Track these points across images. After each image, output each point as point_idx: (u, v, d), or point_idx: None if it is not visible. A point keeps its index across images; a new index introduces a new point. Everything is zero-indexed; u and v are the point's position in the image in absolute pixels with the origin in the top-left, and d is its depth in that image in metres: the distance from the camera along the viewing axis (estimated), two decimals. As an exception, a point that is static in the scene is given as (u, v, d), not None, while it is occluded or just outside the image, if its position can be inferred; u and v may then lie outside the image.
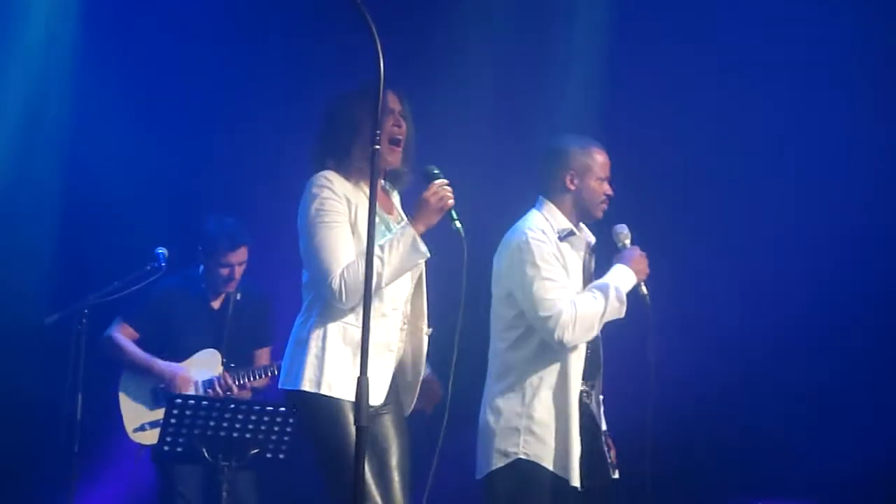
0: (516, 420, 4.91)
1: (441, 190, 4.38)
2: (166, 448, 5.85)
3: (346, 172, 4.43)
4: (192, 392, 6.24)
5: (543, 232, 5.01)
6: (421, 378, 4.55)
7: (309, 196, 4.40)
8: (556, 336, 4.90)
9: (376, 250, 4.25)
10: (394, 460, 4.46)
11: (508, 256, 5.01)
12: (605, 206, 5.11)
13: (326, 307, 4.38)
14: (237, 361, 6.40)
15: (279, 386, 4.50)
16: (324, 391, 4.32)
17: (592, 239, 5.17)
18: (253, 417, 5.85)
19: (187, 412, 5.81)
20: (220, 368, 6.37)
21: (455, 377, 4.36)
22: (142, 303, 6.34)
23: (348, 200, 4.41)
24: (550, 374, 4.96)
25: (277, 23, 7.02)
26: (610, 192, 5.10)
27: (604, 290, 4.98)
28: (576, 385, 4.96)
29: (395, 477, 4.45)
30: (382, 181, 4.55)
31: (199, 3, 6.93)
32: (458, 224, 4.39)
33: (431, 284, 4.59)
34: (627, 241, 5.13)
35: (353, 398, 3.87)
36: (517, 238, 5.01)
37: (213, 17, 6.93)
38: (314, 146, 4.51)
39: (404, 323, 4.53)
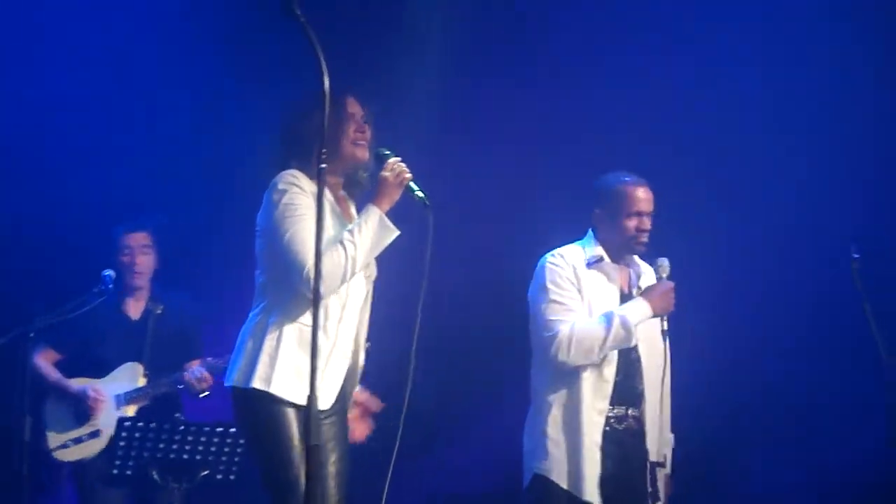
0: (538, 438, 5.10)
1: (397, 166, 4.39)
2: (115, 471, 5.79)
3: (311, 174, 4.38)
4: (106, 408, 6.19)
5: (563, 257, 5.19)
6: (355, 391, 4.56)
7: (275, 193, 4.33)
8: (551, 354, 5.07)
9: (345, 235, 4.27)
10: (333, 468, 4.42)
11: (532, 281, 5.22)
12: (641, 241, 5.20)
13: (287, 308, 4.31)
14: (164, 372, 6.31)
15: (225, 383, 4.40)
16: (274, 390, 4.25)
17: (641, 270, 5.30)
18: (203, 439, 5.80)
19: (136, 434, 5.75)
20: (143, 380, 6.30)
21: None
22: (61, 324, 6.25)
23: (314, 199, 4.32)
24: (562, 395, 5.10)
25: (224, 21, 6.96)
26: (645, 226, 5.18)
27: (609, 316, 5.08)
28: (590, 407, 5.06)
29: (332, 484, 4.40)
30: (343, 192, 4.54)
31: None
32: (420, 194, 4.40)
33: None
34: (664, 275, 5.20)
35: (302, 402, 3.78)
36: (539, 263, 5.21)
37: (149, 15, 6.90)
38: (277, 148, 4.47)
39: (357, 331, 4.51)
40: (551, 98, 6.86)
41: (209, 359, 6.30)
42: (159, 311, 6.44)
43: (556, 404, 5.10)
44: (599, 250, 5.23)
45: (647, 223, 5.20)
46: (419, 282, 4.30)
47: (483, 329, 6.88)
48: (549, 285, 5.15)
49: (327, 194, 4.38)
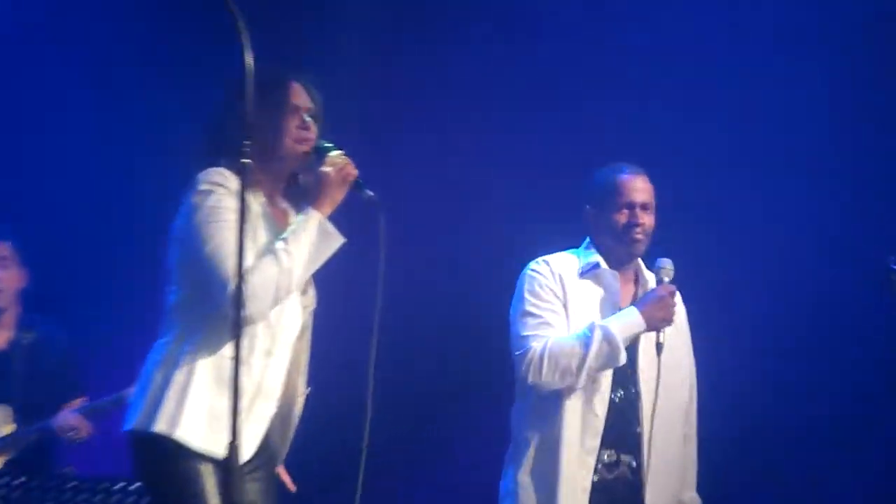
0: (510, 485, 4.47)
1: (340, 160, 3.72)
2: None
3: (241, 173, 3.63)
4: None
5: (547, 264, 4.57)
6: (287, 447, 3.83)
7: (197, 194, 3.64)
8: (521, 375, 4.41)
9: (278, 244, 3.64)
10: None
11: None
12: (637, 237, 4.52)
13: (204, 334, 3.61)
14: (38, 416, 5.47)
15: (124, 426, 3.65)
16: (180, 436, 3.53)
17: (648, 276, 4.58)
18: (98, 498, 4.94)
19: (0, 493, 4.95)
20: (10, 427, 5.47)
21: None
22: None
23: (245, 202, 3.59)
24: (542, 432, 4.43)
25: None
26: (638, 220, 4.51)
27: (590, 328, 4.41)
28: (575, 448, 4.36)
29: None
30: (283, 202, 3.86)
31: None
32: (369, 192, 3.73)
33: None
34: (667, 279, 4.51)
35: (214, 451, 3.40)
36: (522, 273, 4.61)
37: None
38: (202, 142, 3.79)
39: (290, 371, 3.79)
40: (539, 69, 6.24)
41: (86, 400, 5.49)
42: (29, 340, 5.55)
43: (535, 443, 4.43)
44: (595, 256, 4.58)
45: (641, 217, 4.53)
46: (371, 300, 3.68)
47: (451, 353, 6.13)
48: (527, 295, 4.51)
49: (260, 199, 3.76)
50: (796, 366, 5.97)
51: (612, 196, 4.52)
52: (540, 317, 4.44)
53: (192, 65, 5.66)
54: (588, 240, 4.62)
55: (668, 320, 4.42)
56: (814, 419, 5.94)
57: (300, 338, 3.80)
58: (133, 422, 3.61)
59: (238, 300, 3.11)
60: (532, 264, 4.56)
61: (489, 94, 6.20)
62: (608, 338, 4.33)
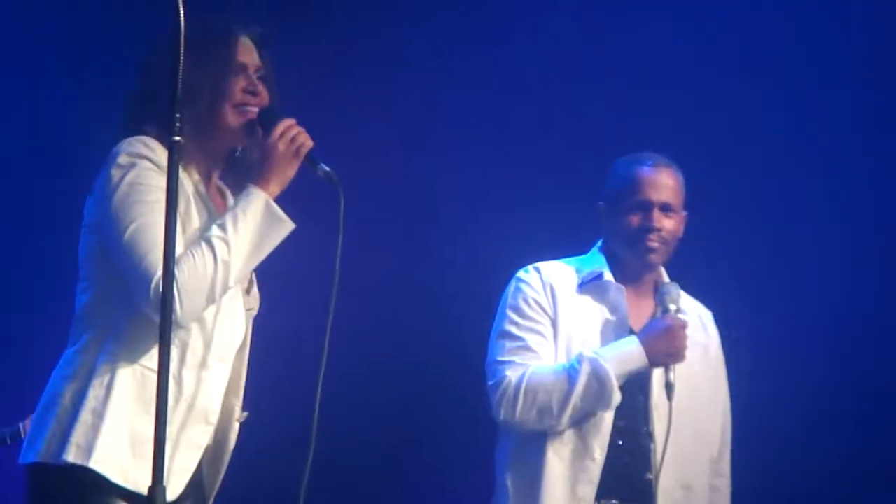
0: None
1: (291, 130, 3.12)
2: None
3: None
4: None
5: (539, 272, 3.92)
6: (219, 483, 3.23)
7: (115, 167, 3.05)
8: (493, 410, 3.80)
9: (214, 230, 3.03)
10: None
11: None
12: (651, 245, 3.84)
13: (123, 339, 3.03)
14: None
15: (21, 459, 3.06)
16: (95, 465, 2.94)
17: (676, 301, 3.85)
18: None
19: None
20: None
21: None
22: None
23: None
24: (526, 475, 3.78)
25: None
26: (654, 224, 3.83)
27: (579, 360, 3.76)
28: (563, 497, 3.71)
29: None
30: (219, 181, 3.29)
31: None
32: (325, 168, 3.16)
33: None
34: (672, 307, 3.83)
35: (137, 487, 2.89)
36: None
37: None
38: (127, 109, 3.19)
39: (228, 389, 3.19)
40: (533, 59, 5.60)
41: None
42: None
43: (513, 491, 3.80)
44: (601, 266, 3.92)
45: (659, 220, 3.85)
46: (326, 295, 3.10)
47: (421, 353, 5.47)
48: (508, 311, 3.88)
49: (194, 177, 3.17)
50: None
51: (627, 192, 3.88)
52: (520, 339, 3.82)
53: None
54: (599, 244, 4.00)
55: (677, 356, 3.74)
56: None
57: (241, 348, 3.22)
58: (35, 452, 3.00)
59: (165, 299, 2.60)
60: (520, 272, 3.94)
61: (478, 79, 5.62)
62: (597, 374, 3.70)
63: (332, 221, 3.09)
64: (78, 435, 2.95)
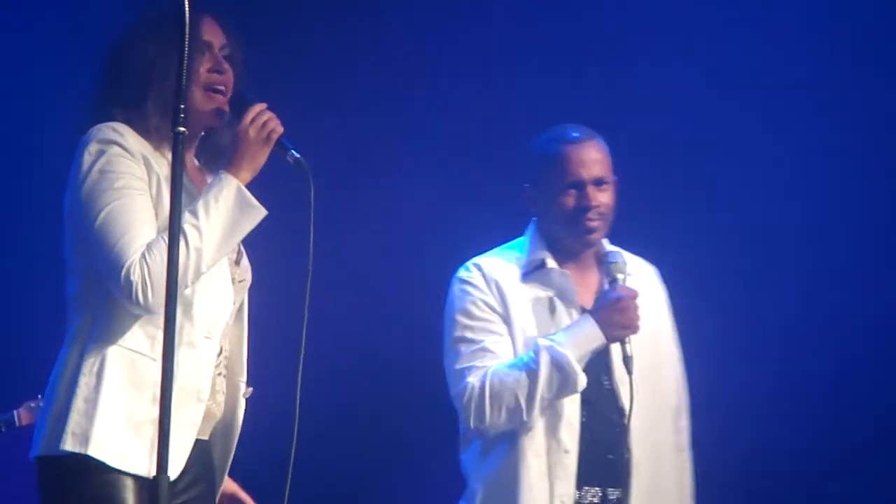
0: None
1: (262, 115, 3.10)
2: None
3: (143, 131, 3.11)
4: None
5: (480, 269, 3.75)
6: (230, 460, 3.24)
7: (86, 155, 3.04)
8: (463, 420, 3.66)
9: (186, 217, 2.99)
10: None
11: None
12: (591, 224, 3.70)
13: (108, 325, 3.02)
14: None
15: (30, 456, 3.05)
16: (93, 452, 2.95)
17: (624, 271, 3.72)
18: None
19: None
20: None
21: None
22: None
23: (148, 164, 3.08)
24: (490, 483, 3.67)
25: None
26: (589, 201, 3.68)
27: (535, 352, 3.62)
28: (540, 496, 3.60)
29: None
30: (196, 159, 3.28)
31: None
32: (295, 154, 3.13)
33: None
34: (620, 276, 3.70)
35: (139, 469, 2.92)
36: (452, 283, 3.82)
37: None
38: (95, 94, 3.17)
39: (224, 365, 3.20)
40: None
41: None
42: None
43: (488, 494, 3.69)
44: (540, 252, 3.77)
45: (594, 196, 3.70)
46: (300, 282, 3.07)
47: (394, 347, 5.36)
48: (457, 316, 3.72)
49: (168, 156, 3.09)
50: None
51: (555, 173, 3.70)
52: (475, 342, 3.67)
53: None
54: (532, 228, 3.82)
55: (632, 327, 3.61)
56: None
57: (236, 321, 3.22)
58: (37, 446, 3.03)
59: (170, 286, 2.59)
60: (461, 271, 3.77)
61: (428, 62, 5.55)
62: (557, 362, 3.57)
63: (304, 209, 3.07)
64: (73, 424, 2.96)
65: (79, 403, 2.96)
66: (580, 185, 3.71)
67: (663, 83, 5.38)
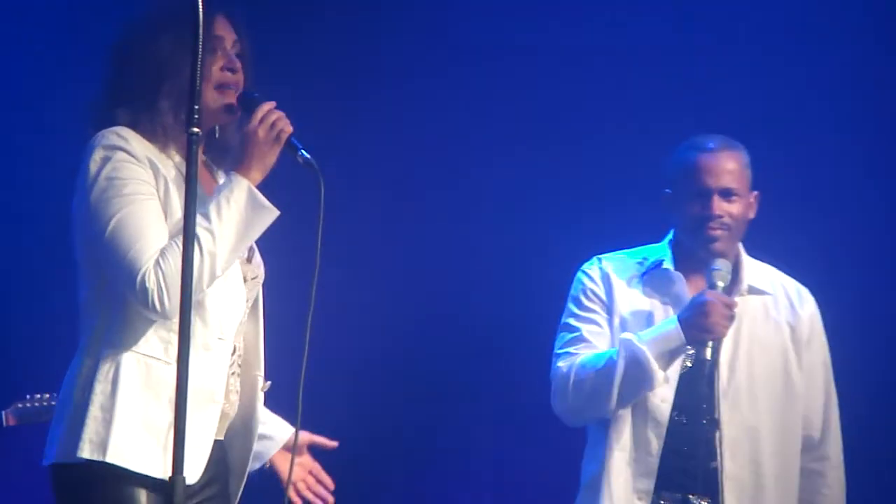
0: None
1: (271, 115, 3.07)
2: None
3: (149, 132, 3.07)
4: None
5: (600, 263, 3.91)
6: (251, 456, 3.21)
7: (92, 163, 3.01)
8: (553, 404, 3.83)
9: (199, 220, 2.92)
10: None
11: None
12: (713, 234, 3.76)
13: (122, 330, 3.00)
14: None
15: (43, 462, 3.03)
16: (112, 459, 2.93)
17: (757, 273, 3.86)
18: None
19: None
20: None
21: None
22: None
23: (154, 168, 3.05)
24: (588, 470, 3.81)
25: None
26: (712, 211, 3.74)
27: (622, 344, 3.74)
28: (614, 492, 3.71)
29: None
30: (203, 156, 3.23)
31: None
32: (305, 153, 3.10)
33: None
34: (721, 284, 3.73)
35: (158, 474, 2.89)
36: None
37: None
38: (99, 96, 3.13)
39: (237, 364, 3.18)
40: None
41: None
42: None
43: (586, 481, 3.81)
44: (665, 255, 3.87)
45: (719, 206, 3.76)
46: (307, 281, 3.07)
47: (402, 347, 5.32)
48: (569, 304, 3.88)
49: (175, 159, 3.11)
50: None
51: (686, 180, 3.79)
52: (576, 330, 3.82)
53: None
54: (671, 233, 3.92)
55: (714, 332, 3.64)
56: None
57: (251, 318, 3.21)
58: (52, 454, 3.00)
59: (184, 292, 2.58)
60: (585, 265, 3.93)
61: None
62: (635, 357, 3.66)
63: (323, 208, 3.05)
64: (90, 431, 2.94)
65: (95, 411, 2.95)
66: (706, 194, 3.78)
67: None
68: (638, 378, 3.68)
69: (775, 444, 3.79)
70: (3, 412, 4.89)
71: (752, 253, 3.97)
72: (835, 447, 3.89)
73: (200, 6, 2.57)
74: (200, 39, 2.59)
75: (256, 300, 3.22)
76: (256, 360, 3.22)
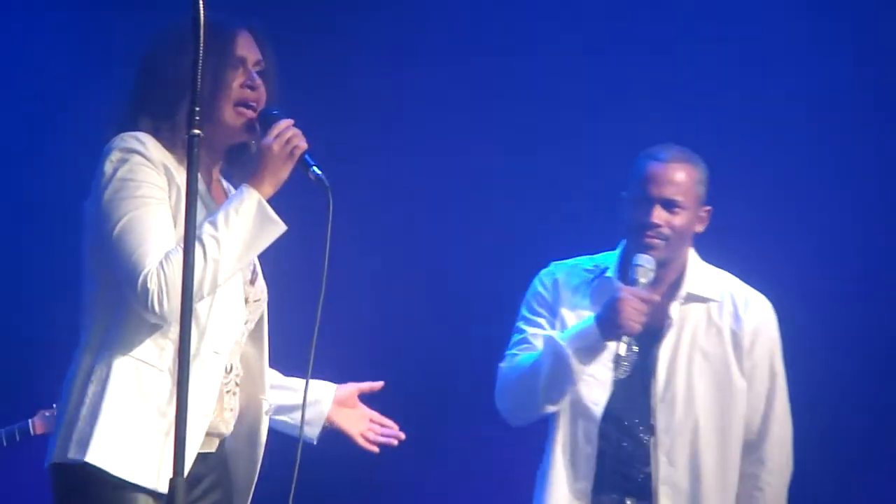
0: None
1: (286, 131, 3.08)
2: None
3: (169, 142, 3.09)
4: None
5: (553, 269, 3.96)
6: (255, 480, 3.20)
7: (109, 163, 3.03)
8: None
9: (206, 227, 2.98)
10: None
11: None
12: (648, 242, 3.76)
13: (120, 333, 3.01)
14: None
15: (45, 463, 3.04)
16: (91, 459, 2.93)
17: (704, 284, 3.86)
18: None
19: None
20: None
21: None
22: None
23: (169, 175, 3.05)
24: (539, 468, 3.86)
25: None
26: (650, 218, 3.74)
27: (545, 342, 3.80)
28: (557, 491, 3.77)
29: None
30: (220, 176, 3.26)
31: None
32: (317, 171, 3.12)
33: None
34: (643, 281, 3.73)
35: (145, 481, 2.89)
36: None
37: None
38: (124, 103, 3.16)
39: (235, 383, 3.17)
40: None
41: None
42: None
43: (539, 480, 3.86)
44: (609, 262, 3.91)
45: (658, 215, 3.76)
46: (314, 296, 3.08)
47: (407, 362, 5.33)
48: (522, 308, 3.96)
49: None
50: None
51: (634, 186, 3.81)
52: (523, 332, 3.89)
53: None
54: (624, 241, 3.94)
55: (625, 328, 3.65)
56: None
57: (253, 341, 3.20)
58: (50, 454, 3.02)
59: (185, 297, 2.61)
60: (542, 271, 3.99)
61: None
62: (556, 352, 3.71)
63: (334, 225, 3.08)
64: (78, 432, 2.95)
65: (84, 412, 2.95)
66: (649, 202, 3.77)
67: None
68: (560, 372, 3.71)
69: (715, 450, 3.79)
70: (30, 420, 4.94)
71: (721, 259, 3.99)
72: (774, 452, 3.86)
73: (201, 11, 2.63)
74: (201, 40, 2.64)
75: (259, 324, 3.22)
76: (261, 384, 3.20)
